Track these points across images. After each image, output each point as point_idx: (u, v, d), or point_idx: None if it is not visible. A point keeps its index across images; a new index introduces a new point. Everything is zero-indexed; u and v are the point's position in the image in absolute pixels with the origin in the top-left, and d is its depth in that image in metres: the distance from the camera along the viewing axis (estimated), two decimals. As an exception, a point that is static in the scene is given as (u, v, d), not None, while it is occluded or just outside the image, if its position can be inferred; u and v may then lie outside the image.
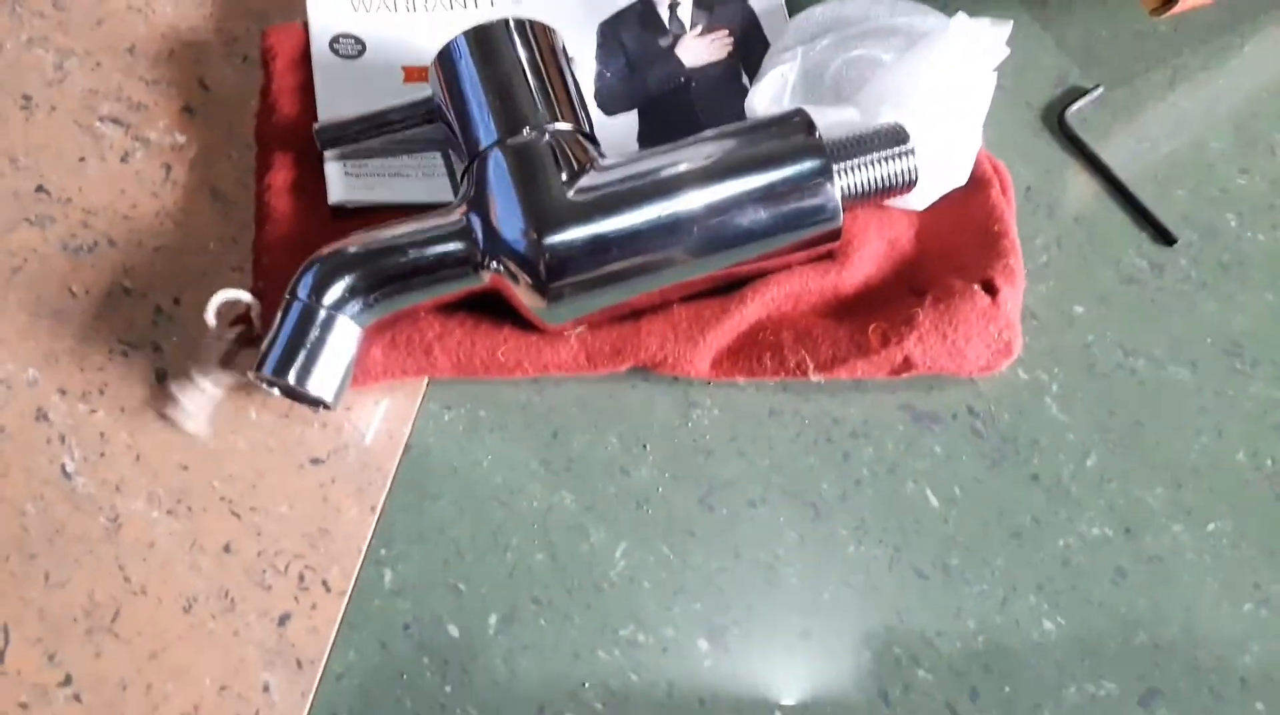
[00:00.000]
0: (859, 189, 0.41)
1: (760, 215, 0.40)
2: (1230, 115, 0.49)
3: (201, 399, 0.44)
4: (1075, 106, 0.48)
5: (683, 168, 0.41)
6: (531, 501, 0.42)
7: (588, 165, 0.41)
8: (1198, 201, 0.47)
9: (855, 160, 0.41)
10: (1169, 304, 0.45)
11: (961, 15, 0.44)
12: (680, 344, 0.43)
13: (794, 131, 0.41)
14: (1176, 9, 0.45)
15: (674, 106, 0.49)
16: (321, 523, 0.42)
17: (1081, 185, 0.47)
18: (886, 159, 0.41)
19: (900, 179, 0.42)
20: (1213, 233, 0.46)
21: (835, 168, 0.41)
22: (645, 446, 0.43)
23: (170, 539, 0.42)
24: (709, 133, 0.42)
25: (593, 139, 0.43)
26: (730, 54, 0.49)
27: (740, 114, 0.47)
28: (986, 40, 0.44)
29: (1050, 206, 0.47)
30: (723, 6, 0.50)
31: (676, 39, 0.50)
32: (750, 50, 0.49)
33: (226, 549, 0.42)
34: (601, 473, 0.43)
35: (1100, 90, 0.49)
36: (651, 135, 0.48)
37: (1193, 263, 0.46)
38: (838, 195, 0.41)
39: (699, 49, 0.50)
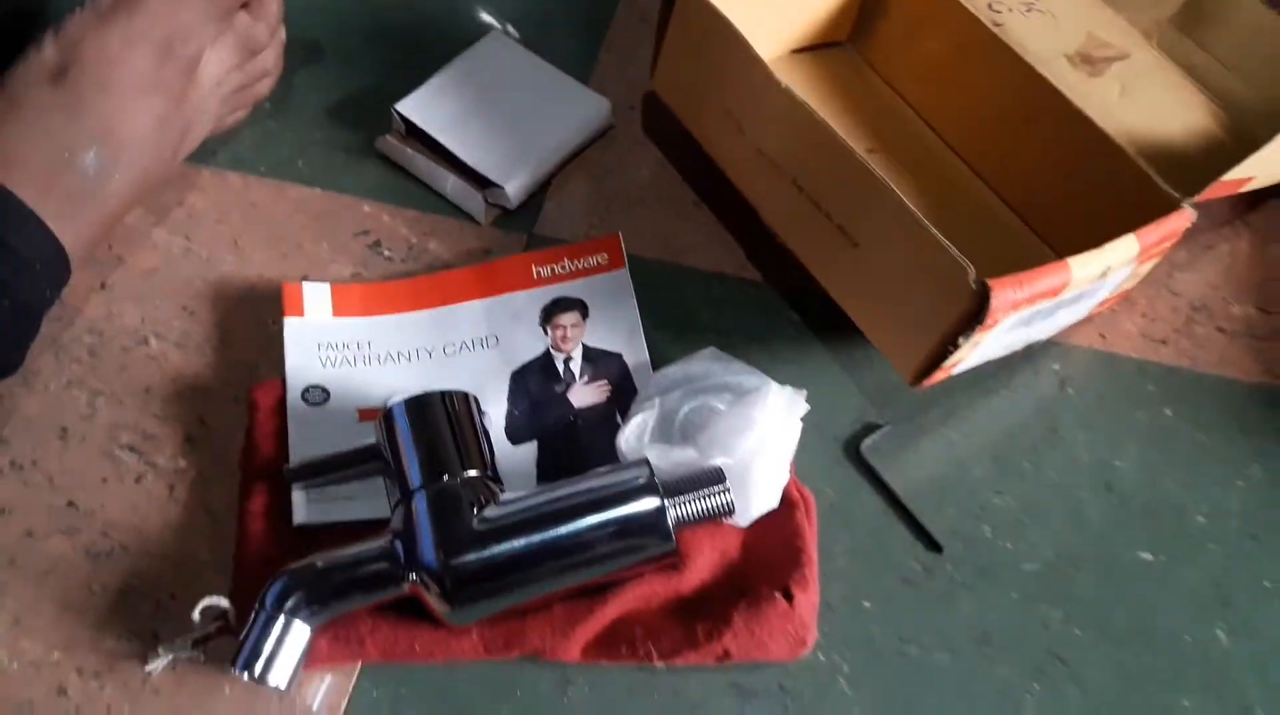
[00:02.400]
0: (687, 518, 0.55)
1: (614, 541, 0.54)
2: (989, 446, 0.63)
3: (159, 661, 0.56)
4: (869, 440, 0.63)
5: (557, 505, 0.55)
6: (441, 761, 0.54)
7: (489, 501, 0.55)
8: (962, 516, 0.61)
9: (683, 497, 0.55)
10: (936, 600, 0.58)
11: (774, 384, 0.58)
12: (556, 636, 0.55)
13: (638, 477, 0.55)
14: (928, 382, 0.59)
15: (564, 439, 0.63)
16: (276, 779, 0.54)
17: (872, 503, 0.61)
18: (708, 496, 0.55)
19: (720, 510, 0.55)
20: (972, 542, 0.60)
21: (667, 503, 0.54)
22: (532, 721, 0.56)
23: (155, 794, 0.54)
24: (578, 476, 0.56)
25: (495, 477, 0.57)
26: (609, 398, 0.64)
27: (613, 445, 0.61)
28: (792, 401, 0.59)
29: (847, 520, 0.61)
30: (604, 362, 0.65)
31: (568, 386, 0.65)
32: (623, 395, 0.64)
33: (199, 802, 0.54)
34: (494, 737, 0.55)
35: (889, 427, 0.63)
36: (547, 461, 0.62)
37: (955, 567, 0.59)
38: (669, 526, 0.54)
39: (585, 394, 0.64)
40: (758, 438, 0.58)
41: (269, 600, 0.53)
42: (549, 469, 0.62)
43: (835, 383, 0.65)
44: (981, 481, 0.62)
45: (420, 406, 0.58)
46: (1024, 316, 0.57)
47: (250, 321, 0.67)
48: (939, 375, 0.59)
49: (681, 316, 0.68)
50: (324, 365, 0.65)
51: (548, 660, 0.56)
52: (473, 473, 0.56)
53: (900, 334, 0.60)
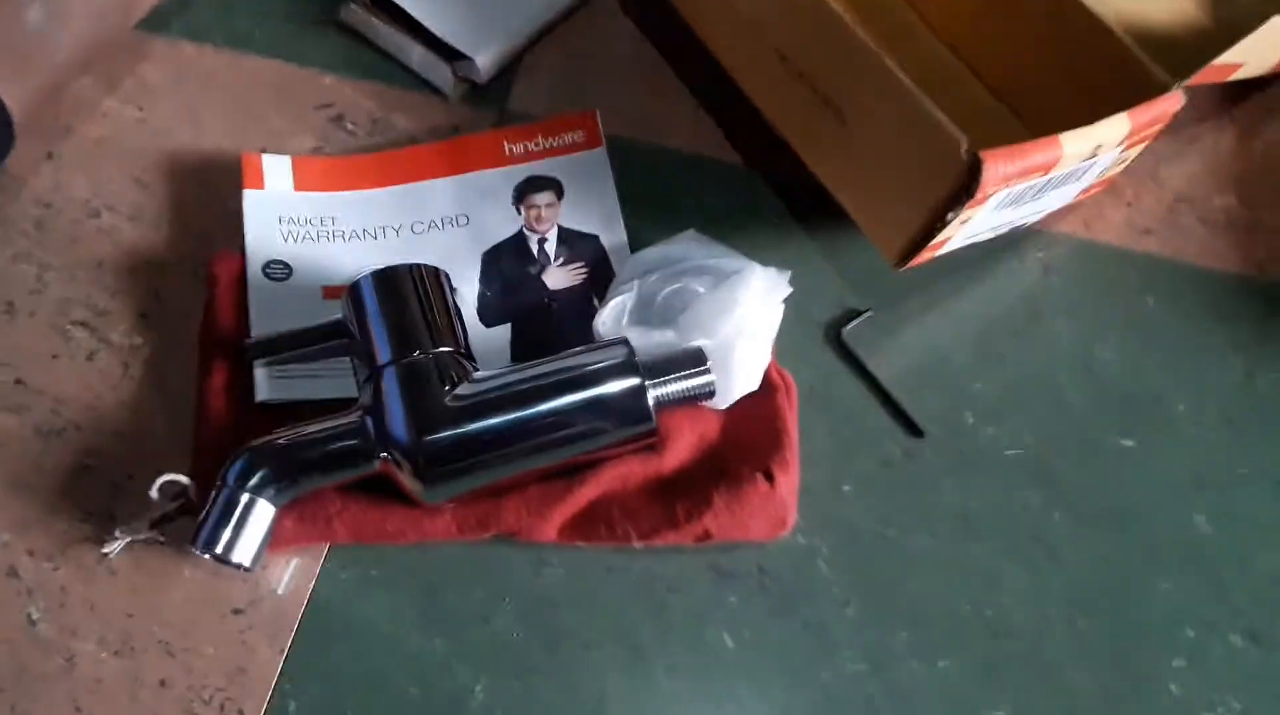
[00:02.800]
0: (667, 400, 0.54)
1: (592, 420, 0.52)
2: (971, 333, 0.62)
3: (116, 543, 0.54)
4: (850, 325, 0.61)
5: (534, 383, 0.53)
6: (409, 646, 0.53)
7: (462, 378, 0.53)
8: (943, 403, 0.60)
9: (664, 378, 0.54)
10: (917, 485, 0.57)
11: (756, 265, 0.57)
12: (532, 517, 0.54)
13: (618, 356, 0.53)
14: (912, 263, 0.58)
15: (539, 321, 0.61)
16: (240, 662, 0.52)
17: (853, 388, 0.60)
18: (689, 377, 0.54)
19: (700, 392, 0.54)
20: (953, 428, 0.59)
21: (647, 384, 0.53)
22: (504, 599, 0.54)
23: (116, 676, 0.52)
24: (555, 356, 0.54)
25: (468, 355, 0.55)
26: (585, 281, 0.62)
27: (590, 328, 0.59)
28: (774, 283, 0.57)
29: (827, 404, 0.59)
30: (580, 243, 0.63)
31: (543, 268, 0.62)
32: (599, 278, 0.62)
33: (162, 683, 0.52)
34: (467, 621, 0.54)
35: (871, 312, 0.62)
36: (521, 344, 0.60)
37: (936, 452, 0.58)
38: (650, 406, 0.53)
39: (560, 276, 0.62)
40: (739, 319, 0.56)
41: (231, 477, 0.51)
42: (523, 352, 0.60)
43: (817, 269, 0.63)
44: (963, 368, 0.61)
45: (388, 279, 0.55)
46: (1013, 193, 0.56)
47: (207, 195, 0.64)
48: (924, 256, 0.58)
49: (660, 200, 0.65)
50: (286, 240, 0.62)
51: (523, 541, 0.55)
52: (445, 349, 0.54)
53: (886, 212, 0.58)
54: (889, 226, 0.58)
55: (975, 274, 0.64)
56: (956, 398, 0.60)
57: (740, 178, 0.67)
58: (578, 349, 0.55)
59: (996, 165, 0.52)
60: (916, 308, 0.63)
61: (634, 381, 0.53)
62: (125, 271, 0.62)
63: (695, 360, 0.54)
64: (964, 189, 0.53)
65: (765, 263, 0.58)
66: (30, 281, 0.61)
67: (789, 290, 0.57)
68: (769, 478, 0.54)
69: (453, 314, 0.56)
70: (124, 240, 0.63)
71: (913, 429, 0.59)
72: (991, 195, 0.54)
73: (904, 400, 0.59)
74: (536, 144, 0.65)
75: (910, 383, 0.60)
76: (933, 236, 0.56)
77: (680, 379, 0.54)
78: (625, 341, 0.54)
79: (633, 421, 0.53)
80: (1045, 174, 0.56)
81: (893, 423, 0.59)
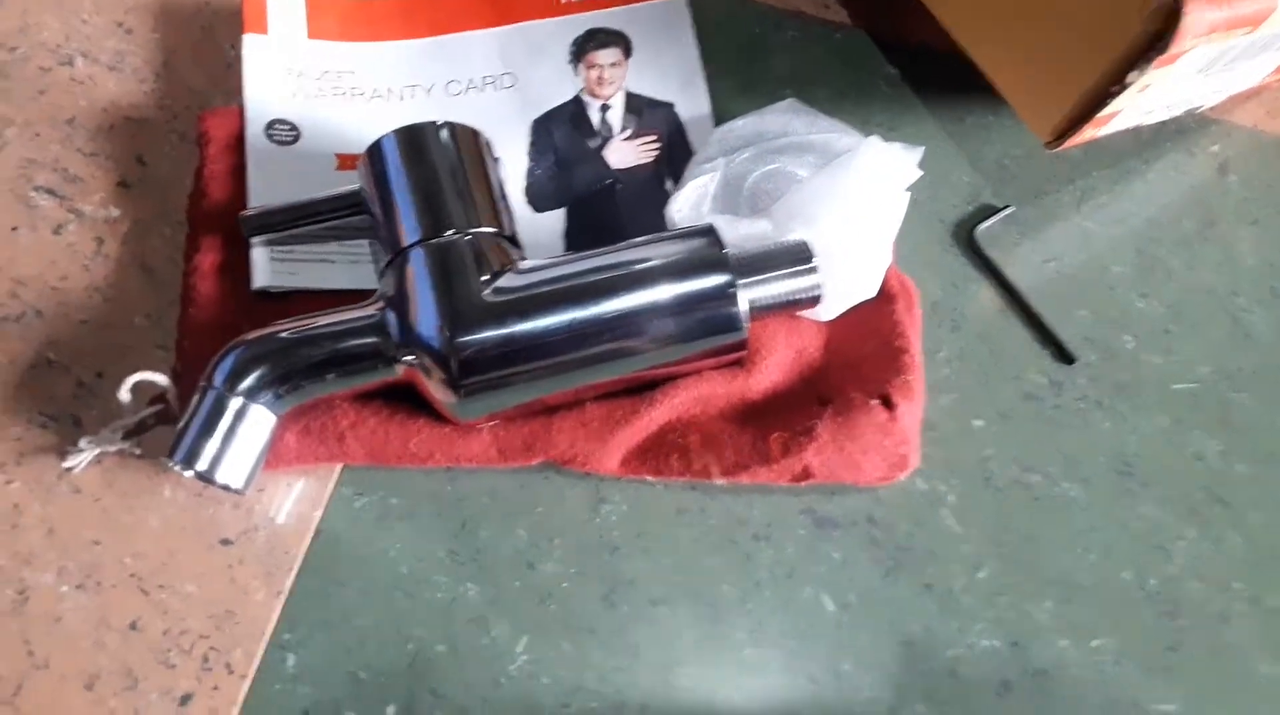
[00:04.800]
0: (763, 304, 0.43)
1: (668, 325, 0.42)
2: (1132, 239, 0.51)
3: (82, 456, 0.44)
4: (985, 224, 0.50)
5: (596, 276, 0.42)
6: (436, 592, 0.43)
7: (506, 267, 0.43)
8: (1098, 323, 0.49)
9: (759, 277, 0.43)
10: (1066, 422, 0.47)
11: (875, 138, 0.46)
12: (590, 442, 0.44)
13: (703, 247, 0.43)
14: (1070, 143, 0.47)
15: (600, 206, 0.50)
16: (228, 604, 0.43)
17: (987, 301, 0.49)
18: (789, 276, 0.43)
19: (804, 296, 0.43)
20: (1111, 354, 0.48)
21: (739, 283, 0.42)
22: (553, 540, 0.44)
23: (77, 614, 0.42)
24: (624, 243, 0.44)
25: (514, 242, 0.45)
26: (656, 159, 0.51)
27: (661, 216, 0.48)
28: (899, 163, 0.46)
29: (955, 321, 0.48)
30: (651, 112, 0.52)
31: (605, 141, 0.51)
32: (675, 156, 0.51)
33: (133, 626, 0.42)
34: (508, 565, 0.44)
35: (1010, 209, 0.50)
36: (577, 233, 0.49)
37: (1090, 382, 0.47)
38: (741, 310, 0.42)
39: (626, 152, 0.51)
40: (853, 208, 0.45)
41: (219, 376, 0.41)
42: (579, 243, 0.49)
43: (942, 154, 0.52)
44: (1122, 280, 0.50)
45: (416, 140, 0.44)
46: (1209, 55, 0.44)
47: (201, 43, 0.53)
48: (1083, 134, 0.46)
49: (746, 65, 0.54)
50: (294, 96, 0.51)
51: (577, 471, 0.45)
52: (485, 229, 0.43)
53: (1042, 75, 0.46)
54: (1044, 93, 0.46)
55: (1135, 168, 0.52)
56: (1114, 317, 0.49)
57: (847, 40, 0.55)
58: (651, 236, 0.44)
59: (1200, 10, 0.41)
60: (1066, 204, 0.51)
61: (721, 278, 0.42)
62: (102, 130, 0.51)
63: (798, 256, 0.43)
64: (1155, 41, 0.41)
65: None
66: (-12, 137, 0.51)
67: (917, 173, 0.46)
68: (888, 405, 0.43)
69: (494, 187, 0.45)
70: (102, 94, 0.52)
71: (1061, 354, 0.48)
72: (1187, 52, 0.42)
73: (1050, 318, 0.48)
74: None
75: (1058, 297, 0.49)
76: (1101, 106, 0.44)
77: (779, 279, 0.43)
78: (711, 229, 0.43)
79: (718, 329, 0.42)
80: (1252, 29, 0.44)
81: (1037, 345, 0.48)
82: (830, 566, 0.44)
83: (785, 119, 0.49)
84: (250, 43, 0.51)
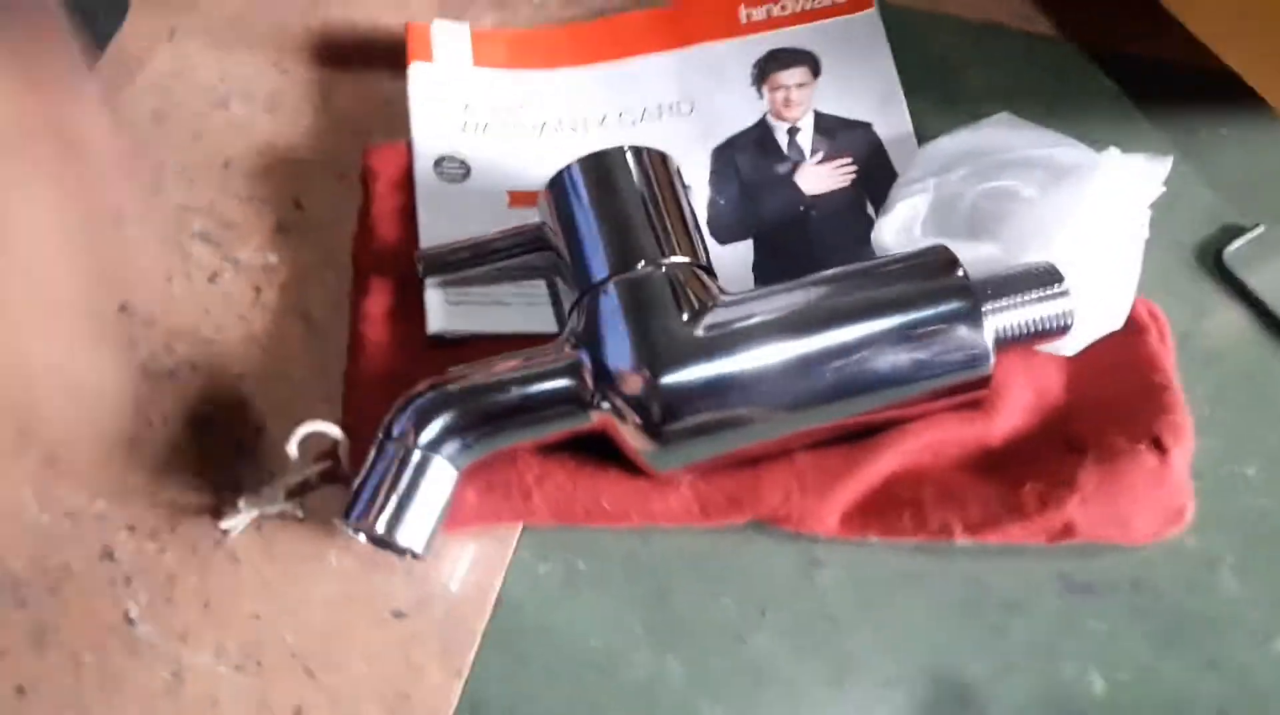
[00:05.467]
0: (1009, 333, 0.37)
1: (900, 359, 0.37)
2: None
3: (240, 517, 0.40)
4: (1234, 246, 0.44)
5: (814, 305, 0.37)
6: (634, 670, 0.38)
7: (707, 301, 0.38)
8: (1379, 352, 0.42)
9: (1005, 301, 0.37)
10: (1356, 467, 0.40)
11: (1114, 150, 0.40)
12: (806, 497, 0.38)
13: (935, 269, 0.38)
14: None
15: (791, 236, 0.45)
16: (401, 685, 0.38)
17: (1243, 331, 0.43)
18: (1039, 301, 0.38)
19: (1055, 323, 0.38)
20: (1400, 387, 0.42)
21: (984, 309, 0.37)
22: (763, 611, 0.39)
23: (236, 698, 0.38)
24: (839, 269, 0.39)
25: (710, 272, 0.40)
26: (853, 182, 0.46)
27: (862, 245, 0.43)
28: (1143, 176, 0.40)
29: (1210, 355, 0.42)
30: (846, 133, 0.47)
31: (795, 166, 0.47)
32: (874, 179, 0.46)
33: (297, 712, 0.38)
34: (714, 639, 0.38)
35: (1261, 229, 0.44)
36: (767, 266, 0.45)
37: (1380, 421, 0.41)
38: (987, 340, 0.37)
39: (819, 176, 0.46)
40: (1094, 228, 0.40)
41: (398, 428, 0.37)
42: (769, 276, 0.45)
43: (1175, 172, 0.46)
44: (1403, 303, 0.43)
45: (603, 167, 0.40)
46: None
47: (357, 82, 0.51)
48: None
49: (940, 82, 0.49)
50: (463, 130, 0.48)
51: (790, 529, 0.39)
52: (681, 259, 0.39)
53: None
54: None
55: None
56: (1398, 345, 0.42)
57: (1054, 52, 0.50)
58: (871, 261, 0.39)
59: None
60: (1325, 221, 0.45)
61: (962, 304, 0.37)
62: (258, 173, 0.48)
63: (1046, 278, 0.38)
64: None
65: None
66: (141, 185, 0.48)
67: (1161, 190, 0.41)
68: (1159, 448, 0.37)
69: (687, 215, 0.41)
70: (258, 136, 0.50)
71: (1341, 387, 0.41)
72: None
73: (1322, 347, 0.42)
74: (782, 7, 0.50)
75: (1327, 324, 0.43)
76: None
77: (1027, 304, 0.38)
78: (944, 249, 0.38)
79: (961, 363, 0.37)
80: None
81: (1310, 379, 0.42)
82: (1095, 640, 0.37)
83: (1002, 134, 0.44)
84: (416, 71, 0.48)
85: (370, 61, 0.51)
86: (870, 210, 0.45)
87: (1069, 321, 0.38)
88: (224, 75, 0.51)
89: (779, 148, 0.47)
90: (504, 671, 0.38)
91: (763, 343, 0.37)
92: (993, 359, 0.37)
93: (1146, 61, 0.48)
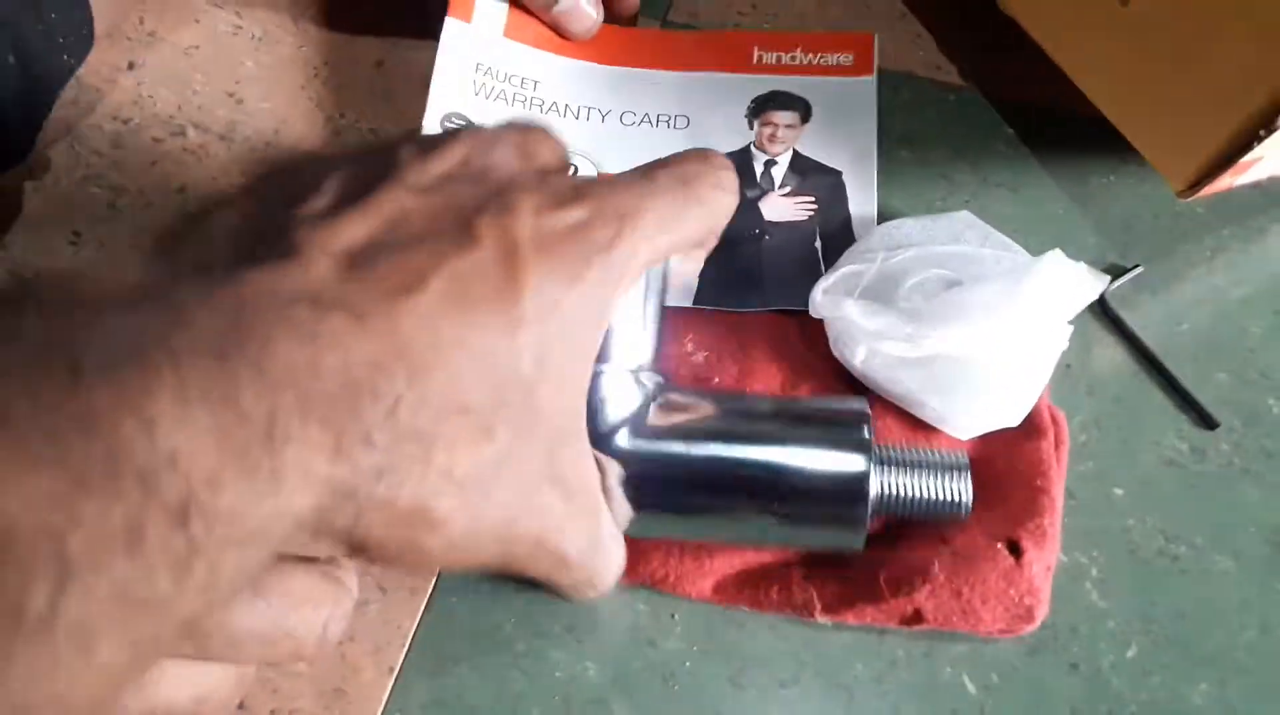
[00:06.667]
0: (894, 499, 0.40)
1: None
2: (1269, 298, 0.48)
3: None
4: (1114, 285, 0.48)
5: (731, 423, 0.40)
6: (554, 670, 0.41)
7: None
8: (1239, 385, 0.46)
9: (900, 469, 0.40)
10: (1211, 490, 0.44)
11: (1058, 252, 0.43)
12: (685, 563, 0.42)
13: (849, 414, 0.40)
14: (1205, 191, 0.45)
15: (744, 253, 0.50)
16: (337, 682, 0.41)
17: (1121, 365, 0.47)
18: (934, 478, 0.40)
19: (944, 507, 0.40)
20: (1255, 418, 0.45)
21: (874, 471, 0.39)
22: (674, 616, 0.42)
23: (183, 692, 0.41)
24: (769, 399, 0.43)
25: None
26: (810, 218, 0.50)
27: (804, 272, 0.48)
28: (1079, 284, 0.43)
29: (1090, 385, 0.46)
30: (817, 176, 0.51)
31: (763, 193, 0.51)
32: (829, 219, 0.50)
33: (241, 706, 0.41)
34: (627, 642, 0.42)
35: (1139, 269, 0.49)
36: (715, 277, 0.48)
37: (1234, 448, 0.45)
38: (866, 513, 0.39)
39: (781, 206, 0.51)
40: (1017, 321, 0.42)
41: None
42: (715, 283, 0.49)
43: (1063, 215, 0.50)
44: (1262, 341, 0.47)
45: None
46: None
47: (310, 114, 0.53)
48: (1221, 181, 0.44)
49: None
50: (476, 92, 0.52)
51: (669, 593, 0.42)
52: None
53: (1180, 122, 0.45)
54: (1181, 140, 0.45)
55: (1265, 225, 0.50)
56: (1255, 380, 0.46)
57: (959, 99, 0.54)
58: (800, 401, 0.43)
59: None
60: (1196, 262, 0.49)
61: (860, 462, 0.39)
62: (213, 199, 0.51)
63: (952, 463, 0.41)
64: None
65: (999, 206, 0.46)
66: (101, 208, 0.51)
67: (1093, 298, 0.44)
68: (1015, 551, 0.40)
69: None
70: (213, 163, 0.52)
71: (1202, 418, 0.45)
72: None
73: (1189, 381, 0.46)
74: (793, 57, 0.55)
75: (1194, 359, 0.47)
76: (1246, 151, 0.43)
77: (923, 479, 0.40)
78: (867, 412, 0.40)
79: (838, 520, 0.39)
80: None
81: (1175, 410, 0.46)
82: (970, 645, 0.41)
83: (958, 229, 0.47)
84: (451, 27, 0.52)
85: (320, 99, 0.54)
86: (818, 244, 0.49)
87: (962, 510, 0.40)
88: (181, 104, 0.54)
89: (754, 174, 0.52)
90: (433, 670, 0.41)
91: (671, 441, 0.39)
92: (866, 531, 0.39)
93: (1043, 112, 0.52)
